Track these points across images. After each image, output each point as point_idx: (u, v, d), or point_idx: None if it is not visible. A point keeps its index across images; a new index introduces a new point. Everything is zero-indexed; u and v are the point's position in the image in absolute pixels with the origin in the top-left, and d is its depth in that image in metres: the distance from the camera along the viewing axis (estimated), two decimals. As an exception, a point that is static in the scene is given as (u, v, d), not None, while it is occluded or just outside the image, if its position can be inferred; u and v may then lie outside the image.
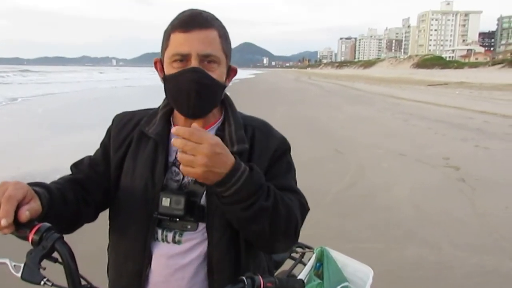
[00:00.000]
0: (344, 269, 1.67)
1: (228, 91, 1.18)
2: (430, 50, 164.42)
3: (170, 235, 1.06)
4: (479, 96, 24.28)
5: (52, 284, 0.80)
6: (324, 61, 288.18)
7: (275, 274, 1.55)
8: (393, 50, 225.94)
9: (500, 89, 30.48)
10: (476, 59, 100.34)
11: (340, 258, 1.69)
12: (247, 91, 22.62)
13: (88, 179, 1.12)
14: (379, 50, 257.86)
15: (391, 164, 7.14)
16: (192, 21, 1.00)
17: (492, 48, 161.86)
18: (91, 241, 2.39)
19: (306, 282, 1.55)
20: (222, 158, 0.90)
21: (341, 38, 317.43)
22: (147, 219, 1.06)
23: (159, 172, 1.08)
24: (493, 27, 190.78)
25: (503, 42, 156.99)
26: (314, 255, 1.66)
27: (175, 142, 0.87)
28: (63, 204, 1.01)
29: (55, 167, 5.22)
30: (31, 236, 0.83)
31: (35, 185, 0.95)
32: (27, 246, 0.85)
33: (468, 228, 4.32)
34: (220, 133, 1.11)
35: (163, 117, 1.13)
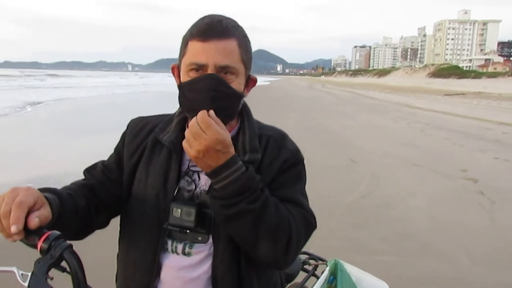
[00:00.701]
0: (358, 283, 1.62)
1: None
2: (446, 60, 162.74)
3: (180, 247, 1.04)
4: (497, 107, 23.83)
5: (59, 295, 0.78)
6: (338, 69, 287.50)
7: (287, 287, 1.51)
8: (408, 59, 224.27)
9: (519, 100, 29.91)
10: (495, 69, 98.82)
11: (354, 272, 1.64)
12: (260, 98, 22.62)
13: (101, 185, 1.11)
14: (394, 59, 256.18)
15: (406, 174, 7.02)
16: (210, 30, 0.96)
17: (511, 58, 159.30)
18: (101, 249, 2.38)
19: (319, 296, 1.50)
20: (218, 154, 0.92)
21: (355, 46, 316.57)
22: (157, 229, 1.04)
23: (172, 181, 1.05)
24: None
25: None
26: (327, 268, 1.62)
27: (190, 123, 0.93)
28: (74, 211, 0.99)
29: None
30: (39, 244, 0.81)
31: (46, 191, 0.94)
32: (35, 254, 0.83)
33: (487, 242, 4.19)
34: (233, 142, 1.08)
35: (178, 124, 1.10)
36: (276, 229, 0.96)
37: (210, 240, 1.03)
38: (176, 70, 1.06)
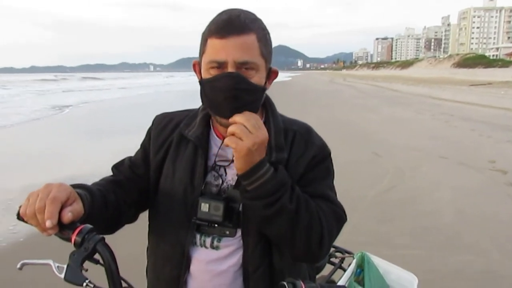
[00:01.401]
0: (386, 276, 1.60)
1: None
2: (472, 49, 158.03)
3: (208, 240, 1.05)
4: (526, 96, 23.04)
5: (94, 286, 0.81)
6: (360, 62, 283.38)
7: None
8: (432, 50, 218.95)
9: (549, 88, 28.80)
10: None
11: (381, 264, 1.62)
12: (282, 93, 22.55)
13: (128, 180, 1.13)
14: (417, 50, 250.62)
15: (431, 167, 6.88)
16: (228, 26, 0.95)
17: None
18: (132, 244, 2.43)
19: (346, 288, 1.50)
20: (262, 151, 0.94)
21: (377, 39, 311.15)
22: (186, 223, 1.05)
23: (199, 176, 1.06)
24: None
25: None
26: (354, 261, 1.61)
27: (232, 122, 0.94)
28: (104, 206, 1.02)
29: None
30: (73, 238, 0.84)
31: (77, 187, 0.97)
32: (69, 247, 0.86)
33: (517, 235, 4.08)
34: None
35: (202, 119, 1.11)
36: (310, 225, 0.97)
37: (238, 234, 1.04)
38: (197, 66, 1.06)
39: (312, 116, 13.31)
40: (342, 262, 1.65)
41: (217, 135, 1.10)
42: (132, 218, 1.16)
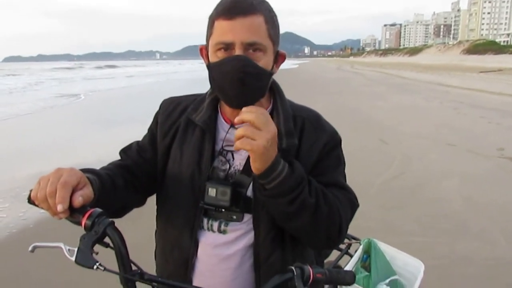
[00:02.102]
0: (392, 262, 1.61)
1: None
2: (482, 35, 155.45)
3: (215, 224, 1.06)
4: (537, 83, 22.68)
5: (105, 269, 0.82)
6: (367, 49, 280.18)
7: (321, 265, 1.52)
8: (441, 36, 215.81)
9: (561, 75, 28.31)
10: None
11: (388, 250, 1.63)
12: (289, 81, 22.43)
13: (136, 165, 1.14)
14: (426, 36, 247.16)
15: (439, 154, 6.84)
16: (235, 7, 0.95)
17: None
18: (140, 228, 2.46)
19: (353, 274, 1.51)
20: (275, 146, 0.90)
21: (385, 25, 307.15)
22: (193, 207, 1.06)
23: (206, 160, 1.06)
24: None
25: None
26: (361, 247, 1.62)
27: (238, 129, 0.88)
28: (113, 190, 1.03)
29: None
30: (83, 221, 0.85)
31: (87, 172, 0.97)
32: (79, 230, 0.87)
33: (525, 222, 4.06)
34: None
35: (210, 104, 1.11)
36: (329, 216, 0.98)
37: (245, 218, 1.05)
38: (204, 51, 1.05)
39: (319, 104, 13.24)
40: (349, 248, 1.66)
41: (224, 120, 1.10)
42: (140, 202, 1.17)
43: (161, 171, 1.13)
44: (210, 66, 1.01)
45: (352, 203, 1.07)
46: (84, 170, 0.97)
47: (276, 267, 1.04)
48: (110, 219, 0.86)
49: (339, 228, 1.00)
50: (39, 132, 9.84)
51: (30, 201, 0.88)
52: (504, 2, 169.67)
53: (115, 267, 0.85)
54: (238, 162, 1.07)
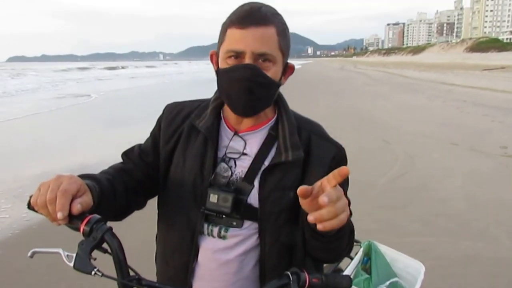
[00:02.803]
0: (393, 264, 1.61)
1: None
2: (485, 33, 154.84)
3: (215, 230, 1.06)
4: (541, 80, 22.56)
5: (102, 274, 0.83)
6: (371, 48, 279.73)
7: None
8: (444, 34, 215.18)
9: None
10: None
11: (389, 252, 1.63)
12: (292, 81, 22.33)
13: (138, 168, 1.14)
14: (429, 35, 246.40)
15: (442, 154, 6.82)
16: (249, 17, 0.96)
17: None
18: (140, 233, 2.47)
19: (353, 276, 1.51)
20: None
21: (388, 24, 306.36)
22: (195, 212, 1.07)
23: (208, 167, 1.07)
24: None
25: None
26: (361, 249, 1.62)
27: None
28: (113, 195, 1.04)
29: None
30: (82, 227, 0.86)
31: (86, 178, 0.98)
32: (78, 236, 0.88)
33: (529, 222, 4.04)
34: (273, 133, 1.08)
35: (213, 110, 1.11)
36: (350, 237, 1.02)
37: (245, 225, 1.05)
38: (214, 56, 1.07)
39: (322, 104, 13.26)
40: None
41: (228, 127, 1.11)
42: (141, 205, 1.17)
43: (163, 176, 1.14)
44: (219, 72, 1.02)
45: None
46: (84, 176, 0.97)
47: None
48: (108, 225, 0.87)
49: (351, 244, 1.05)
50: (45, 132, 9.88)
51: (30, 206, 0.89)
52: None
53: (113, 273, 0.86)
54: (240, 169, 1.07)
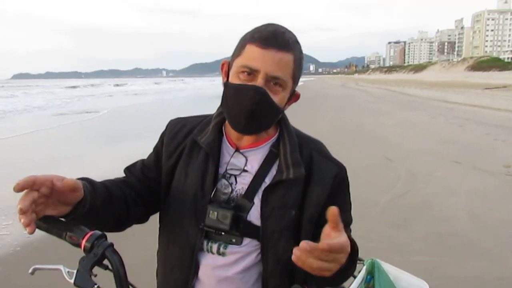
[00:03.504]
0: (397, 283, 1.59)
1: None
2: (486, 52, 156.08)
3: (215, 246, 1.06)
4: (543, 99, 22.61)
5: (103, 291, 0.82)
6: (372, 66, 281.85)
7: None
8: (445, 53, 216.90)
9: None
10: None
11: (392, 271, 1.60)
12: (293, 98, 22.55)
13: (140, 182, 1.14)
14: (430, 54, 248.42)
15: (445, 172, 6.79)
16: (272, 39, 0.97)
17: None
18: (141, 250, 2.45)
19: (356, 295, 1.48)
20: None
21: (389, 42, 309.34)
22: (195, 228, 1.06)
23: (209, 183, 1.07)
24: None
25: None
26: (364, 267, 1.59)
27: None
28: (108, 198, 1.02)
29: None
30: (83, 243, 0.86)
31: (80, 179, 0.97)
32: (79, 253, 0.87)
33: (534, 241, 3.99)
34: (274, 150, 1.09)
35: (215, 126, 1.12)
36: (354, 259, 0.98)
37: (245, 242, 1.05)
38: (225, 66, 1.07)
39: (324, 121, 13.30)
40: (353, 269, 1.63)
41: (229, 143, 1.11)
42: (142, 218, 1.16)
43: (165, 191, 1.14)
44: (227, 85, 1.03)
45: None
46: (79, 179, 0.97)
47: None
48: (109, 242, 0.87)
49: (354, 267, 1.03)
50: (48, 148, 9.91)
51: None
52: (507, 19, 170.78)
53: (114, 289, 0.85)
54: (241, 186, 1.07)
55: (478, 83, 46.78)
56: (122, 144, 10.06)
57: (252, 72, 0.97)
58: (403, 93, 34.63)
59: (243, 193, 1.06)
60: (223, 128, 1.13)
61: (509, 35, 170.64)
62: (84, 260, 0.84)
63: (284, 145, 1.08)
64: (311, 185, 1.06)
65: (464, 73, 75.47)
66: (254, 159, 1.09)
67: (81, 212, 0.92)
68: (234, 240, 1.04)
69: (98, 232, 0.87)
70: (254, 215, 1.04)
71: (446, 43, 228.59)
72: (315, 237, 1.03)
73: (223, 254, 1.06)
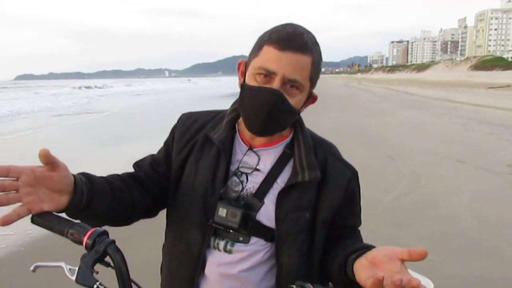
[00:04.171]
0: (401, 281, 1.57)
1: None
2: (489, 51, 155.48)
3: (221, 244, 1.05)
4: (547, 98, 22.50)
5: (104, 288, 0.81)
6: (375, 65, 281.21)
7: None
8: (448, 52, 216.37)
9: None
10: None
11: (396, 270, 1.59)
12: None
13: (148, 177, 1.13)
14: (433, 53, 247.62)
15: (448, 171, 6.77)
16: (290, 40, 0.95)
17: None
18: (145, 247, 2.45)
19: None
20: None
21: (392, 42, 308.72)
22: (203, 225, 1.05)
23: (219, 180, 1.06)
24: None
25: None
26: (368, 266, 1.58)
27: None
28: (108, 189, 1.00)
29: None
30: (84, 240, 0.85)
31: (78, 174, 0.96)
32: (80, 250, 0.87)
33: (538, 240, 3.97)
34: (288, 151, 1.08)
35: (228, 123, 1.10)
36: None
37: (252, 241, 1.04)
38: (242, 66, 1.05)
39: (327, 120, 13.26)
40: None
41: (242, 141, 1.10)
42: (150, 211, 1.15)
43: (174, 186, 1.12)
44: (244, 87, 1.02)
45: None
46: (79, 173, 0.96)
47: None
48: (111, 239, 0.86)
49: None
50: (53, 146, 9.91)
51: (33, 221, 0.89)
52: (511, 18, 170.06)
53: (116, 287, 0.84)
54: (252, 185, 1.06)
55: (482, 82, 46.63)
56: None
57: (269, 74, 0.96)
58: (406, 92, 34.55)
59: (253, 192, 1.05)
60: (236, 125, 1.12)
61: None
62: (86, 257, 0.83)
63: (298, 147, 1.07)
64: (326, 188, 1.05)
65: (467, 73, 75.18)
66: (267, 158, 1.07)
67: (79, 204, 0.91)
68: (241, 239, 1.04)
69: (99, 229, 0.86)
70: (264, 215, 1.03)
71: (449, 42, 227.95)
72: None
73: (229, 252, 1.05)
